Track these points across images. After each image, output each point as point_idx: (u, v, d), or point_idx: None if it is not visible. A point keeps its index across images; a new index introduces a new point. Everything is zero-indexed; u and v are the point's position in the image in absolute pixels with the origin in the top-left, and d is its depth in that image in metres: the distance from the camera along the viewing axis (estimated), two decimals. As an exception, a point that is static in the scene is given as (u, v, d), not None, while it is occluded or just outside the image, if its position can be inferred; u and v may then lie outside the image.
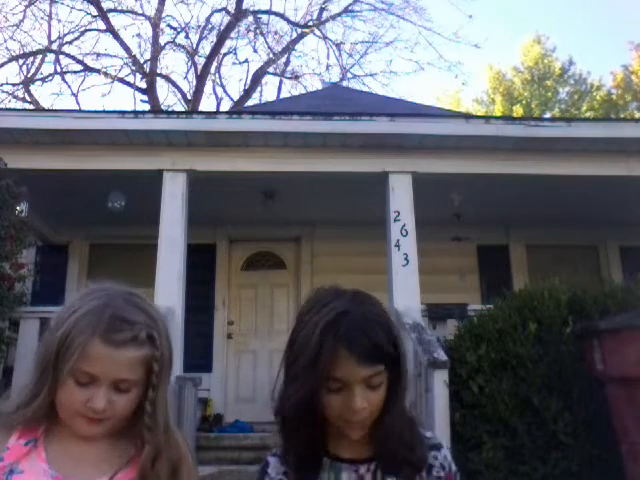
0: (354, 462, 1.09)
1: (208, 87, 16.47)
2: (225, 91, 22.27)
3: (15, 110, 8.20)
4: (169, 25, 15.19)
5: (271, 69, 16.59)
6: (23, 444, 1.02)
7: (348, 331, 1.00)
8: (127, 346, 0.99)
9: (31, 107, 14.43)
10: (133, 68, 14.73)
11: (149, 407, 1.02)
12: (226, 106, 16.56)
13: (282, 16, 15.80)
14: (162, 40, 14.95)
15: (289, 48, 16.33)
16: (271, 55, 15.92)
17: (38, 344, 1.11)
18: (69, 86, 21.03)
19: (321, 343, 0.99)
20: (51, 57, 14.95)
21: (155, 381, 1.02)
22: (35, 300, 6.04)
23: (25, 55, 14.73)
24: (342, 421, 1.03)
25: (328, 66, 16.88)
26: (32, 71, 15.08)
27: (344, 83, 16.21)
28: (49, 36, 14.62)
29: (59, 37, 14.62)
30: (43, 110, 10.46)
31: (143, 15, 14.95)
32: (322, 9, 16.23)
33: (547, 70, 21.67)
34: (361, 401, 1.00)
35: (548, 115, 20.27)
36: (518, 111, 20.43)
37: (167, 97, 26.13)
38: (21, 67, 14.97)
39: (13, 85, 14.98)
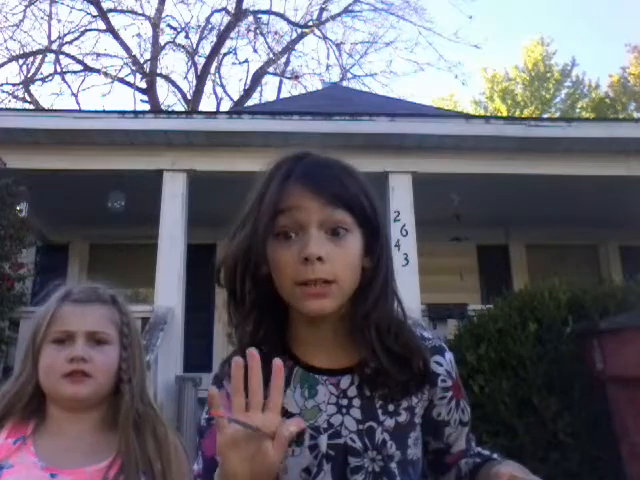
0: (333, 373, 0.83)
1: (208, 87, 16.53)
2: (225, 91, 22.33)
3: (15, 110, 8.20)
4: (169, 25, 15.25)
5: (271, 69, 16.63)
6: (12, 442, 1.04)
7: (305, 167, 0.83)
8: (93, 303, 1.12)
9: (31, 107, 14.43)
10: (133, 68, 14.75)
11: (123, 364, 1.10)
12: (226, 106, 16.59)
13: (282, 16, 15.82)
14: (162, 40, 15.02)
15: (289, 48, 16.35)
16: (271, 55, 15.95)
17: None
18: (69, 86, 21.16)
19: (271, 178, 0.83)
20: (51, 57, 15.01)
21: (126, 342, 1.12)
22: (35, 300, 6.04)
23: (25, 55, 14.75)
24: (299, 290, 0.78)
25: (328, 66, 16.93)
26: (32, 71, 15.13)
27: (344, 83, 16.21)
28: (49, 36, 14.67)
29: (59, 37, 14.67)
30: (43, 110, 10.45)
31: (143, 15, 15.01)
32: (322, 9, 16.25)
33: (549, 70, 21.65)
34: (316, 246, 0.77)
35: (547, 116, 20.27)
36: (516, 112, 20.43)
37: (167, 97, 26.28)
38: (21, 67, 15.03)
39: (13, 85, 15.03)
